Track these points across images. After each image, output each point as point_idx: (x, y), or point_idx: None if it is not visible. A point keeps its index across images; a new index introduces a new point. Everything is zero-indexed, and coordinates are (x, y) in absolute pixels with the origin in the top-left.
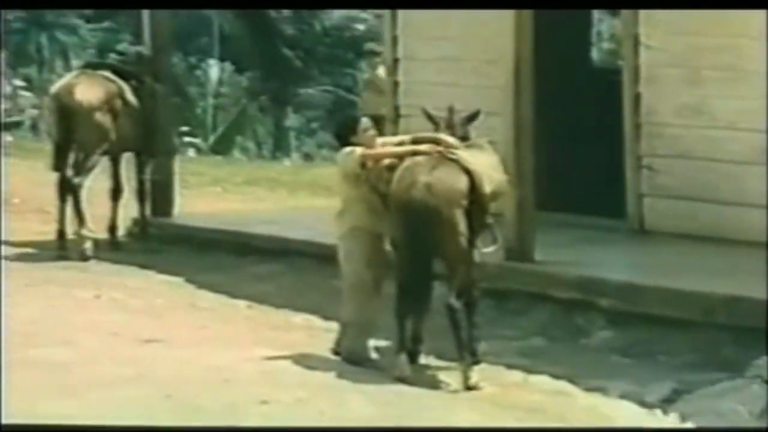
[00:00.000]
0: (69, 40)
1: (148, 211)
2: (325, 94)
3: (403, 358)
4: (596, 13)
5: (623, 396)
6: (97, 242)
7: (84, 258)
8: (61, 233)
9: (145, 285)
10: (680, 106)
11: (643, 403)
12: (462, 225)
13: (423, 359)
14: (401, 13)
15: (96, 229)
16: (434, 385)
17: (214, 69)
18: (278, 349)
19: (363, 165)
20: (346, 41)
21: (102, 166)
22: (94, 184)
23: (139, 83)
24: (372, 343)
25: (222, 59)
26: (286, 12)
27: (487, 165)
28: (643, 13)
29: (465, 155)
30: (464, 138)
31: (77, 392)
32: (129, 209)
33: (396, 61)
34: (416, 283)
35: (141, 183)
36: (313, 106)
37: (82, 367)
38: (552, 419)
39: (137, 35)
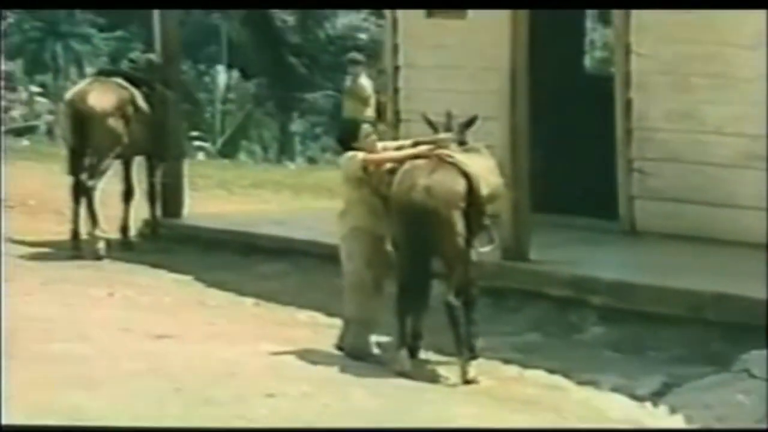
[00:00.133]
0: (83, 49)
1: (158, 212)
2: (329, 100)
3: (404, 353)
4: (589, 22)
5: (615, 389)
6: (109, 242)
7: (97, 257)
8: (75, 234)
9: (155, 283)
10: (670, 111)
11: (634, 396)
12: (460, 226)
13: (423, 354)
14: (402, 23)
15: (109, 229)
16: (434, 379)
17: (222, 76)
18: (284, 345)
19: (364, 169)
20: (349, 49)
21: (114, 169)
22: (107, 187)
23: (150, 90)
24: (374, 338)
25: (230, 66)
26: (291, 21)
27: (484, 168)
28: (635, 22)
29: (463, 159)
30: (462, 142)
31: (92, 385)
32: (140, 210)
33: (397, 68)
34: (416, 282)
35: (152, 185)
36: (318, 111)
37: (96, 361)
38: (547, 412)
39: (148, 44)
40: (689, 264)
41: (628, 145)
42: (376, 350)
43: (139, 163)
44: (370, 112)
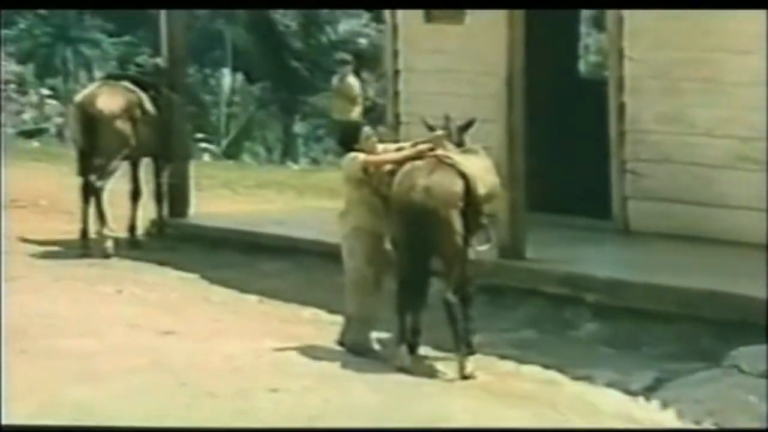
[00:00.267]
0: (92, 53)
1: (165, 211)
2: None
3: (404, 349)
4: (583, 27)
5: (609, 384)
6: (117, 241)
7: (106, 255)
8: (85, 233)
9: (162, 281)
10: (661, 114)
11: (627, 391)
12: (458, 225)
13: (422, 350)
14: (402, 28)
15: (117, 228)
16: (432, 374)
17: (226, 79)
18: (287, 341)
19: (365, 170)
20: (350, 54)
21: (122, 170)
22: (115, 187)
23: (157, 93)
24: (374, 335)
25: (234, 70)
26: (294, 26)
27: (482, 169)
28: (628, 28)
29: (460, 160)
30: (460, 144)
31: (100, 379)
32: (147, 210)
33: (397, 72)
34: (415, 280)
35: (158, 186)
36: (320, 114)
37: (104, 356)
38: (542, 406)
39: (155, 48)
40: (681, 262)
41: (622, 147)
42: (376, 346)
43: (146, 164)
44: (357, 110)
